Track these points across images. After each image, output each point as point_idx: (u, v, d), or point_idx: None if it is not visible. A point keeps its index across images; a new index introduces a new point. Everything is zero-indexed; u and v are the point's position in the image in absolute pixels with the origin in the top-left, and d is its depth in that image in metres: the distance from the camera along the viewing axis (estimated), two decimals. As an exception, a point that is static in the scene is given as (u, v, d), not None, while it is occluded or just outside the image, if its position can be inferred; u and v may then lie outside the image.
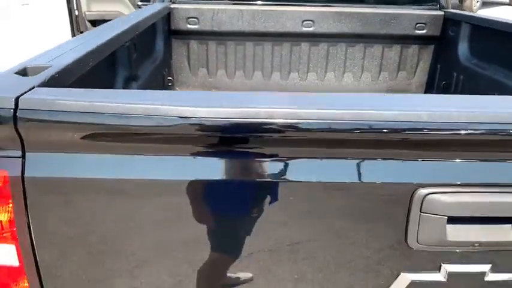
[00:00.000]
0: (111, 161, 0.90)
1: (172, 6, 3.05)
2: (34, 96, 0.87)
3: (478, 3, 15.10)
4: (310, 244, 0.99)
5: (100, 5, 4.44)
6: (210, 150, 0.90)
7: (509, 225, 0.96)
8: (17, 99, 0.85)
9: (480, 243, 0.96)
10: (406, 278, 1.00)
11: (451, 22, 3.09)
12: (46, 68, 1.06)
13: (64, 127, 0.86)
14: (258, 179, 0.93)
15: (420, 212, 0.93)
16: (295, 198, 0.94)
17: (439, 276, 1.00)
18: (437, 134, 0.89)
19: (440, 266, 0.99)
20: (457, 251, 0.97)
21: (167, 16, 2.99)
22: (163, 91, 0.93)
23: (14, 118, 0.84)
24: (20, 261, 0.97)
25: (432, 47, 3.18)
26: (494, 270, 1.00)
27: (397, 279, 1.00)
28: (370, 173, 0.93)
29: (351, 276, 1.03)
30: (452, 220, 0.94)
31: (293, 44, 3.16)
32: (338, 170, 0.93)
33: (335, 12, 3.11)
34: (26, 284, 1.00)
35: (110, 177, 0.91)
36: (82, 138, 0.87)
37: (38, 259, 0.97)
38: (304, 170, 0.92)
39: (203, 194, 0.95)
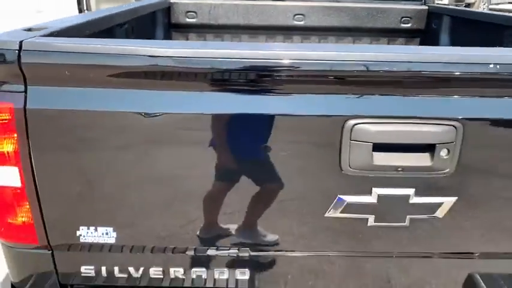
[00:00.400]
0: (99, 94, 1.11)
1: (172, 1, 3.28)
2: (35, 40, 1.08)
3: (485, 9, 15.21)
4: (256, 173, 1.19)
5: (109, 5, 4.68)
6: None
7: (427, 153, 1.14)
8: (21, 42, 1.06)
9: (403, 168, 1.14)
10: (342, 200, 1.18)
11: (434, 16, 3.27)
12: (48, 27, 1.28)
13: (59, 65, 1.08)
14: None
15: (350, 140, 1.12)
16: (236, 130, 1.14)
17: (371, 199, 1.18)
18: (362, 74, 1.09)
19: (371, 189, 1.18)
20: (384, 175, 1.16)
21: (167, 10, 3.22)
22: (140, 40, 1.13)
23: (18, 57, 1.05)
24: (21, 182, 1.18)
25: (417, 40, 3.36)
26: (417, 194, 1.18)
27: (335, 201, 1.19)
28: (309, 106, 1.12)
29: (295, 201, 1.22)
30: (377, 147, 1.12)
31: (285, 36, 3.36)
32: (285, 104, 1.13)
33: (324, 7, 3.31)
34: (27, 203, 1.21)
35: (99, 110, 1.11)
36: (74, 74, 1.09)
37: (37, 182, 1.18)
38: (241, 103, 1.12)
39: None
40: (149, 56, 1.06)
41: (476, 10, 2.96)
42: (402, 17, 3.32)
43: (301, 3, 3.33)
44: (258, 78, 1.11)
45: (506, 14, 2.64)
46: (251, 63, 1.08)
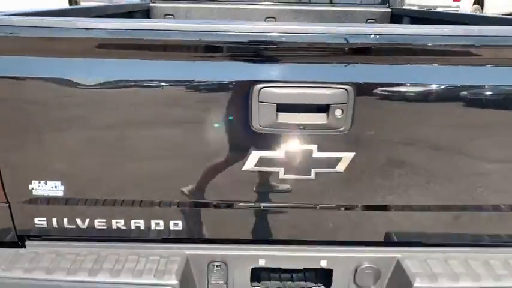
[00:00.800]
0: (45, 62, 1.31)
1: (152, 4, 3.52)
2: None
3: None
4: (182, 133, 1.39)
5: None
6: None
7: (324, 113, 1.33)
8: None
9: (304, 126, 1.34)
10: (256, 155, 1.38)
11: (396, 17, 3.49)
12: (10, 13, 1.50)
13: (13, 37, 1.29)
14: None
15: (258, 101, 1.31)
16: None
17: (280, 153, 1.37)
18: (266, 45, 1.30)
19: (280, 145, 1.37)
20: (289, 132, 1.35)
21: (147, 12, 3.45)
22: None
23: None
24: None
25: None
26: (319, 149, 1.37)
27: (249, 156, 1.38)
28: (223, 73, 1.32)
29: (216, 157, 1.41)
30: (281, 108, 1.32)
31: None
32: (203, 71, 1.33)
33: (294, 10, 3.53)
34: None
35: (46, 76, 1.32)
36: (22, 45, 1.30)
37: None
38: (162, 70, 1.32)
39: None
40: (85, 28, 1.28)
41: (431, 10, 3.19)
42: (367, 19, 3.54)
43: (272, 7, 3.56)
44: (177, 49, 1.32)
45: (455, 11, 2.84)
46: (166, 34, 1.29)
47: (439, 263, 1.50)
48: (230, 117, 1.36)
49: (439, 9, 14.77)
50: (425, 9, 3.16)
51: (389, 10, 3.54)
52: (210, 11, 3.51)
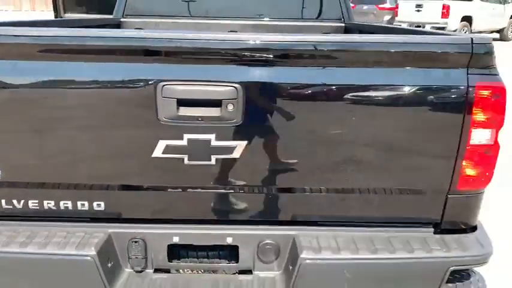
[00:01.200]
0: None
1: (122, 19, 3.80)
2: None
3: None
4: (100, 124, 1.63)
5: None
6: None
7: (218, 107, 1.57)
8: None
9: (202, 118, 1.57)
10: (162, 143, 1.61)
11: (349, 31, 3.76)
12: None
13: None
14: None
15: (162, 96, 1.55)
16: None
17: (183, 142, 1.61)
18: (167, 49, 1.54)
19: (183, 134, 1.60)
20: (189, 124, 1.59)
21: (118, 26, 3.72)
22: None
23: None
24: None
25: None
26: (217, 138, 1.60)
27: (158, 144, 1.61)
28: (133, 73, 1.57)
29: (130, 146, 1.65)
30: (181, 102, 1.56)
31: None
32: (118, 72, 1.57)
33: (254, 25, 3.80)
34: None
35: None
36: None
37: None
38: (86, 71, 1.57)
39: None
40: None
41: (380, 24, 3.44)
42: (323, 32, 3.80)
43: (234, 21, 3.82)
44: (95, 52, 1.57)
45: (402, 26, 3.09)
46: (83, 40, 1.55)
47: (327, 239, 1.72)
48: (141, 111, 1.60)
49: (427, 26, 15.15)
50: (372, 24, 3.40)
51: (343, 25, 3.81)
52: (176, 25, 3.78)
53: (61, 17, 5.14)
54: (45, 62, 1.58)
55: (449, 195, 1.73)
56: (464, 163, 1.68)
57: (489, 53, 1.61)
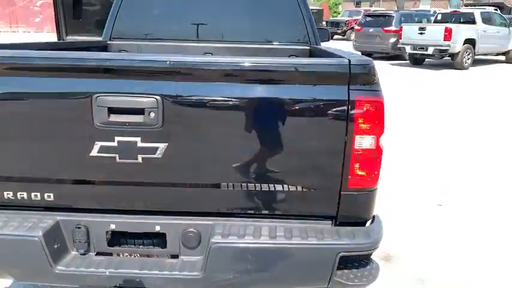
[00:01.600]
0: None
1: (109, 42, 4.23)
2: None
3: (470, 60, 15.99)
4: (51, 128, 1.99)
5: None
6: None
7: (142, 115, 1.92)
8: None
9: (129, 123, 1.92)
10: (98, 144, 1.96)
11: (313, 53, 4.11)
12: None
13: None
14: None
15: (96, 105, 1.91)
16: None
17: (114, 143, 1.96)
18: (98, 68, 1.91)
19: (114, 137, 1.95)
20: (119, 128, 1.94)
21: (104, 48, 4.15)
22: None
23: None
24: None
25: None
26: (142, 141, 1.95)
27: (94, 145, 1.96)
28: (72, 86, 1.94)
29: (74, 146, 2.00)
30: (111, 110, 1.92)
31: None
32: (60, 85, 1.94)
33: (228, 47, 4.18)
34: None
35: None
36: None
37: None
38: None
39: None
40: None
41: (334, 49, 3.76)
42: (290, 55, 4.16)
43: (210, 44, 4.22)
44: (45, 70, 1.95)
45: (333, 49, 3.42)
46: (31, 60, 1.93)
47: (238, 228, 2.03)
48: (81, 117, 1.96)
49: (430, 48, 15.42)
50: (335, 49, 3.72)
51: (308, 48, 4.17)
52: (158, 48, 4.19)
53: (63, 39, 5.64)
54: (8, 77, 1.96)
55: (342, 193, 2.04)
56: (351, 165, 2.00)
57: (367, 72, 1.93)
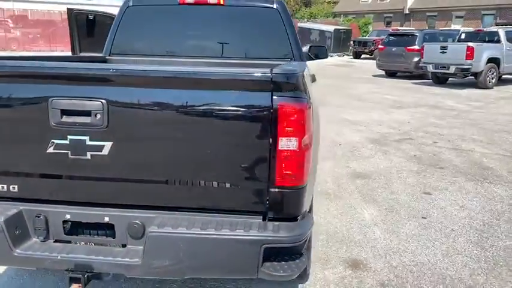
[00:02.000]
0: None
1: (108, 57, 4.58)
2: None
3: (494, 79, 15.75)
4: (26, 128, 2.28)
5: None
6: None
7: (90, 116, 2.18)
8: None
9: (79, 124, 2.18)
10: (53, 142, 2.23)
11: None
12: None
13: None
14: None
15: (51, 108, 2.19)
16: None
17: (67, 141, 2.21)
18: (53, 75, 2.19)
19: (67, 135, 2.21)
20: (70, 128, 2.20)
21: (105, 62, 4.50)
22: None
23: None
24: None
25: None
26: (91, 139, 2.20)
27: (50, 143, 2.23)
28: (37, 92, 2.22)
29: (34, 143, 2.28)
30: (64, 112, 2.19)
31: None
32: (25, 91, 2.23)
33: (216, 62, 4.45)
34: None
35: None
36: None
37: None
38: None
39: None
40: None
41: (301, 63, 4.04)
42: None
43: (199, 60, 4.50)
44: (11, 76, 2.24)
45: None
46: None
47: (175, 220, 2.25)
48: (40, 118, 2.23)
49: (452, 67, 15.31)
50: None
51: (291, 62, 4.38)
52: (151, 63, 4.50)
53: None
54: None
55: (270, 191, 2.23)
56: (277, 165, 2.19)
57: (290, 82, 2.14)
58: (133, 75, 2.20)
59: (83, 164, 2.27)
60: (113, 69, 2.17)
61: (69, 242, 2.42)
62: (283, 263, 2.26)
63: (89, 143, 2.22)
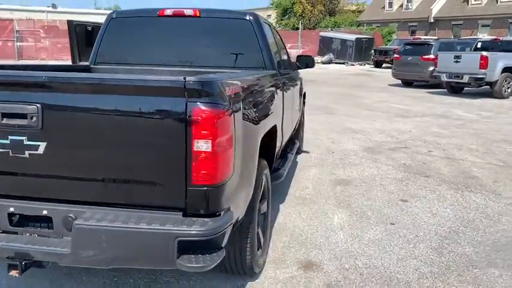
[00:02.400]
0: None
1: (92, 66, 4.88)
2: None
3: (510, 89, 15.50)
4: None
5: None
6: None
7: (26, 118, 2.42)
8: None
9: (18, 125, 2.43)
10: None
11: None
12: None
13: None
14: None
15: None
16: None
17: (8, 141, 2.46)
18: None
19: (8, 136, 2.46)
20: (9, 129, 2.44)
21: (88, 71, 4.80)
22: None
23: None
24: None
25: None
26: (28, 139, 2.44)
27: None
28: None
29: None
30: (4, 114, 2.43)
31: None
32: None
33: (193, 71, 4.68)
34: None
35: None
36: None
37: None
38: None
39: None
40: None
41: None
42: None
43: (178, 69, 4.74)
44: None
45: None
46: None
47: (102, 214, 2.45)
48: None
49: (465, 77, 15.16)
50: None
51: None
52: (136, 72, 4.77)
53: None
54: None
55: (188, 189, 2.41)
56: (193, 165, 2.37)
57: (204, 89, 2.33)
58: (64, 82, 2.43)
59: (22, 161, 2.50)
60: (45, 76, 2.41)
61: (16, 233, 2.65)
62: (199, 255, 2.43)
63: (26, 142, 2.46)
